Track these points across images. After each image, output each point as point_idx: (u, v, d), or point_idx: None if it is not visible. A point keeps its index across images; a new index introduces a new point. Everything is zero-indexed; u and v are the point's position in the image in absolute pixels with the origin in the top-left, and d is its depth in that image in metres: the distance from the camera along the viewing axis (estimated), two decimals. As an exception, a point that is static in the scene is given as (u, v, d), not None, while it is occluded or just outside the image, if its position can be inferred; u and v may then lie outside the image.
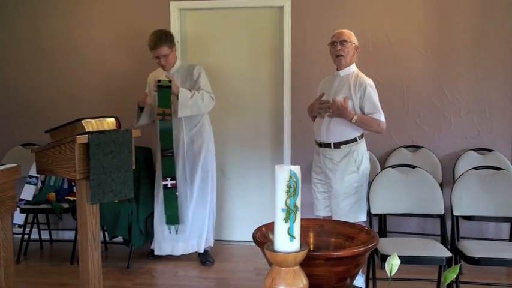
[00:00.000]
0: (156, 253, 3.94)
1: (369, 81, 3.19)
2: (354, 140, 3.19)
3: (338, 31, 3.27)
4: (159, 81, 3.65)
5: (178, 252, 3.91)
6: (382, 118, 3.16)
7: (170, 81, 3.63)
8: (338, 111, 3.10)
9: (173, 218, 3.81)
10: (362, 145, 3.24)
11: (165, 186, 3.79)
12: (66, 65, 4.55)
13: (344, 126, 3.15)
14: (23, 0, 4.54)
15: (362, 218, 3.22)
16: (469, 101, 4.14)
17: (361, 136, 3.24)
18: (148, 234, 3.99)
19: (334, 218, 3.15)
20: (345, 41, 3.19)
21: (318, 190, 3.36)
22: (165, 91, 3.63)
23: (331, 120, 3.20)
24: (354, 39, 3.24)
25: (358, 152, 3.20)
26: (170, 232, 3.86)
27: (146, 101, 3.82)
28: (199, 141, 3.87)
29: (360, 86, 3.16)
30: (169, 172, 3.78)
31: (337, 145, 3.19)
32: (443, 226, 3.23)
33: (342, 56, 3.20)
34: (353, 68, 3.26)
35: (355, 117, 3.09)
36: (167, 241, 3.89)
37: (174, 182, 3.78)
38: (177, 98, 3.64)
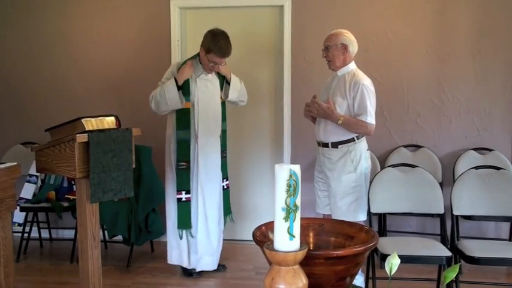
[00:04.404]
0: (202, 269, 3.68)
1: (365, 81, 3.10)
2: (352, 139, 3.15)
3: (328, 35, 3.24)
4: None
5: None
6: (370, 120, 3.07)
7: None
8: (324, 113, 3.09)
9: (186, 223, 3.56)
10: (360, 145, 3.19)
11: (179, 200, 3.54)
12: (66, 64, 4.55)
13: (339, 126, 3.14)
14: (23, -1, 4.55)
15: (361, 217, 3.20)
16: (469, 100, 4.14)
17: (360, 136, 3.22)
18: (149, 233, 3.99)
19: (333, 216, 3.15)
20: (328, 46, 3.17)
21: (320, 188, 3.36)
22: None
23: (327, 120, 3.19)
24: (338, 39, 3.15)
25: (356, 152, 3.16)
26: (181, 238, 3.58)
27: (188, 73, 3.46)
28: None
29: (354, 85, 3.10)
30: (184, 185, 3.53)
31: (335, 145, 3.17)
32: (443, 225, 3.23)
33: (330, 61, 3.21)
34: (351, 66, 3.21)
35: (340, 120, 3.07)
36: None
37: (188, 196, 3.54)
38: (226, 82, 3.61)
